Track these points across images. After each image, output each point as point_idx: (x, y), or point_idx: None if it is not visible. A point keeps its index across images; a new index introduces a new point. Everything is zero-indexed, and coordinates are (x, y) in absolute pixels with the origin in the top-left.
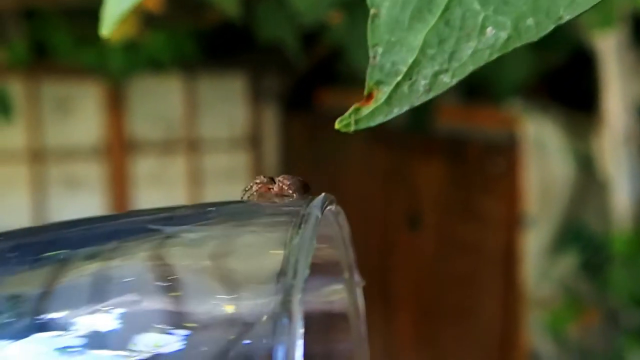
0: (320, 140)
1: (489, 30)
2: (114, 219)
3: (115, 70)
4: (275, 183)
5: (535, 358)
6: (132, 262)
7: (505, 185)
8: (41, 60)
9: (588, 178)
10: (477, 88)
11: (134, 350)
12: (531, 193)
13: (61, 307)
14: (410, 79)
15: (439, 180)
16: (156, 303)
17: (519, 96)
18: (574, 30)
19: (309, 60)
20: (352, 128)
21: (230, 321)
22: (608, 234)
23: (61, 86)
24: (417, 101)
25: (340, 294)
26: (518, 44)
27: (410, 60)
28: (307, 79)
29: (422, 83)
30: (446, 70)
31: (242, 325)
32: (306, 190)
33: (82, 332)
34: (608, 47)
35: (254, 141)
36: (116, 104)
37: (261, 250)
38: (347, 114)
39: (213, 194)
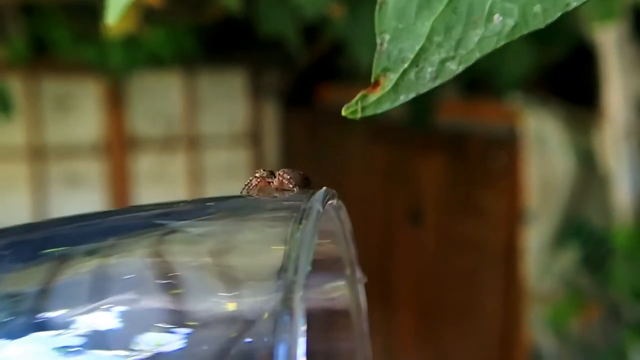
0: (321, 137)
1: (496, 18)
2: (112, 215)
3: (115, 66)
4: (275, 177)
5: (536, 353)
6: (131, 259)
7: (506, 180)
8: (41, 56)
9: (589, 172)
10: (478, 82)
11: (135, 350)
12: (532, 188)
13: (60, 305)
14: (417, 66)
15: (439, 176)
16: (156, 301)
17: (520, 90)
18: (575, 24)
19: (310, 55)
20: (359, 115)
21: (231, 319)
22: (609, 228)
23: (61, 83)
24: (424, 88)
25: (341, 291)
26: (525, 32)
27: (417, 48)
28: (307, 75)
29: (429, 70)
30: (453, 58)
31: (243, 323)
32: (307, 184)
33: (81, 331)
34: (609, 41)
35: (254, 138)
36: (116, 101)
37: (262, 246)
38: (353, 100)
39: (213, 190)
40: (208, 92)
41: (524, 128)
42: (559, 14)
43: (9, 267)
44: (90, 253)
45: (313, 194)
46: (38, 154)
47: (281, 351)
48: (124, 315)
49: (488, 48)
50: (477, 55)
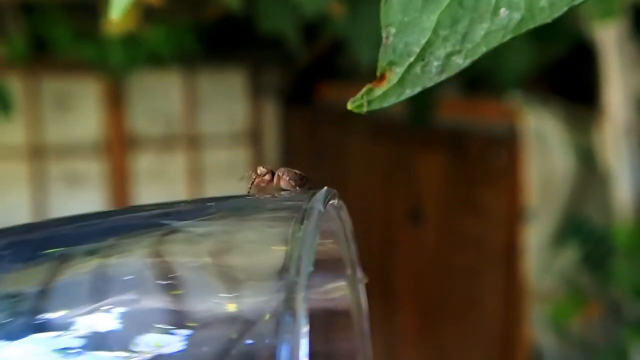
0: (321, 135)
1: (503, 11)
2: (112, 215)
3: (115, 65)
4: (274, 176)
5: (537, 351)
6: (131, 260)
7: (506, 178)
8: (40, 55)
9: (589, 171)
10: (478, 81)
11: (135, 351)
12: (532, 186)
13: (60, 306)
14: (423, 60)
15: (439, 174)
16: (156, 302)
17: (520, 89)
18: (575, 23)
19: (310, 54)
20: (365, 109)
21: (232, 319)
22: (609, 226)
23: (61, 82)
24: (430, 82)
25: (341, 291)
26: (532, 26)
27: (423, 41)
28: (307, 73)
29: (435, 64)
30: (459, 52)
31: (244, 323)
32: (305, 183)
33: (81, 332)
34: (608, 39)
35: (254, 136)
36: (116, 100)
37: (263, 246)
38: (359, 94)
39: (213, 189)
40: (208, 90)
41: (524, 126)
42: (565, 8)
43: (9, 267)
44: (91, 253)
45: (314, 193)
46: (38, 153)
47: (284, 352)
48: (124, 316)
49: (494, 42)
50: (483, 49)
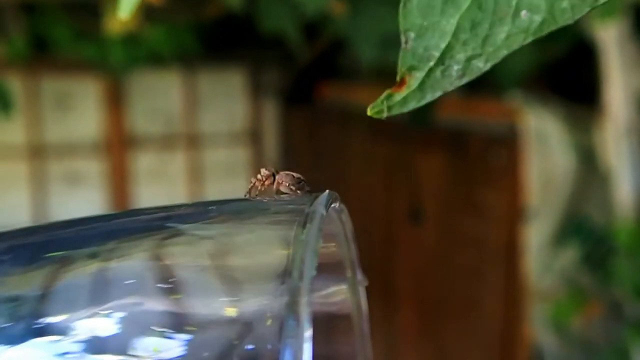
0: (321, 135)
1: (524, 14)
2: (112, 219)
3: (115, 64)
4: (275, 179)
5: (538, 351)
6: (131, 263)
7: (506, 178)
8: (41, 55)
9: (590, 170)
10: (478, 80)
11: (134, 356)
12: (532, 186)
13: (60, 310)
14: (443, 64)
15: (440, 174)
16: (157, 306)
17: (520, 88)
18: (575, 22)
19: (310, 53)
20: (385, 114)
21: (233, 323)
22: (610, 226)
23: (61, 81)
24: (451, 87)
25: (342, 295)
26: (553, 28)
27: (443, 46)
28: (307, 72)
29: (455, 68)
30: (480, 55)
31: (246, 327)
32: (303, 186)
33: (82, 336)
34: (609, 38)
35: (254, 136)
36: (116, 100)
37: (265, 250)
38: (379, 100)
39: (213, 189)
40: (208, 90)
41: (524, 126)
42: (587, 10)
43: (9, 271)
44: (91, 257)
45: (316, 197)
46: (38, 153)
47: (287, 356)
48: (124, 320)
49: (516, 45)
50: (504, 52)
